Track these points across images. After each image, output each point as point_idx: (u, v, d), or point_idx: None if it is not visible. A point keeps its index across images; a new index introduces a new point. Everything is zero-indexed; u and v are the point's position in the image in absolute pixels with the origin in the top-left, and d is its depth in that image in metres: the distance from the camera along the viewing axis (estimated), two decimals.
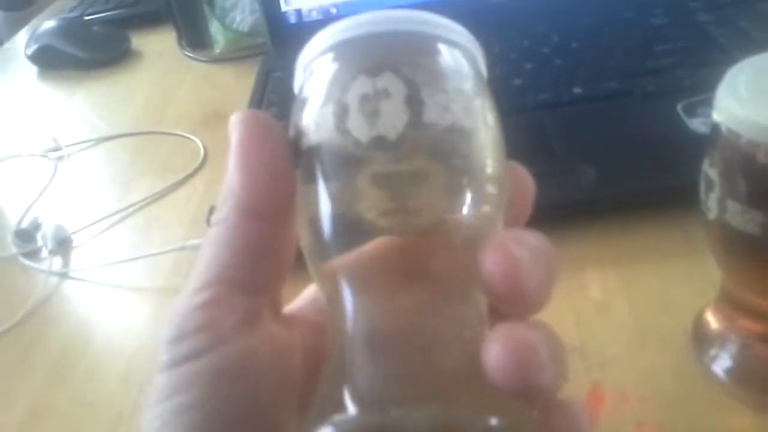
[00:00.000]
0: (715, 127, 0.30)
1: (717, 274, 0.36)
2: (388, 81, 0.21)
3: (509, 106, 0.56)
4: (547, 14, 0.68)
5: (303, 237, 0.23)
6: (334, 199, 0.21)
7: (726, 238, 0.31)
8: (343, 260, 0.22)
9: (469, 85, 0.23)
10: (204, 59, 0.84)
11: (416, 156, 0.21)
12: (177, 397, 0.20)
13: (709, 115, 0.31)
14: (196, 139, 0.67)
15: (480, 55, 0.24)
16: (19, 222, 0.61)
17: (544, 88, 0.57)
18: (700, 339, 0.37)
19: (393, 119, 0.21)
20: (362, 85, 0.21)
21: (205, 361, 0.20)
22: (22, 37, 1.03)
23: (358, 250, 0.21)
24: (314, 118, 0.22)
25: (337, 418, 0.19)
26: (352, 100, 0.21)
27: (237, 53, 0.82)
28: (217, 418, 0.20)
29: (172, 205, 0.60)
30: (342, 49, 0.22)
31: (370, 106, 0.21)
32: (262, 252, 0.22)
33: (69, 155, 0.71)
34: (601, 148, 0.50)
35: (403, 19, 0.23)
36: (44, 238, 0.58)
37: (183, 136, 0.69)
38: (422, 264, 0.22)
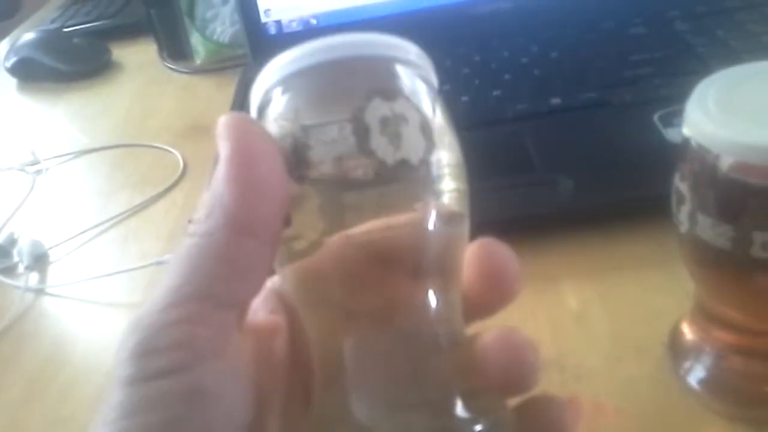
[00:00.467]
0: (685, 141, 0.30)
1: (693, 285, 0.36)
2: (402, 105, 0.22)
3: (488, 117, 0.56)
4: (527, 24, 0.68)
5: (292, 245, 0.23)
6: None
7: (697, 251, 0.31)
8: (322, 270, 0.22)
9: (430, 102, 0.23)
10: (185, 70, 0.84)
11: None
12: (142, 416, 0.19)
13: None
14: (176, 152, 0.67)
15: (434, 73, 0.25)
16: None
17: (523, 99, 0.57)
18: (676, 350, 0.37)
19: (414, 143, 0.22)
20: (380, 107, 0.22)
21: (179, 379, 0.20)
22: (1, 49, 1.02)
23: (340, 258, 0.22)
24: (317, 137, 0.22)
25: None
26: (371, 120, 0.21)
27: (217, 64, 0.82)
28: None
29: (150, 218, 0.60)
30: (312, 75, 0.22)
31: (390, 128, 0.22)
32: (247, 269, 0.22)
33: (47, 169, 0.70)
34: (579, 158, 0.50)
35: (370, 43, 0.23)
36: (20, 254, 0.57)
37: (163, 149, 0.68)
38: (403, 262, 0.22)
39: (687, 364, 0.36)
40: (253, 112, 0.24)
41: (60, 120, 0.81)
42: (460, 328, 0.23)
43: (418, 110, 0.22)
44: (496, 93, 0.59)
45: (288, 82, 0.22)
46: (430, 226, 0.22)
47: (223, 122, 0.22)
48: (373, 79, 0.22)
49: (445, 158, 0.23)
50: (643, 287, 0.43)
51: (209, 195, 0.22)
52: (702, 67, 0.57)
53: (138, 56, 0.90)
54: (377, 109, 0.21)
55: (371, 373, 0.22)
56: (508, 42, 0.66)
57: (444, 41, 0.68)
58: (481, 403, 0.22)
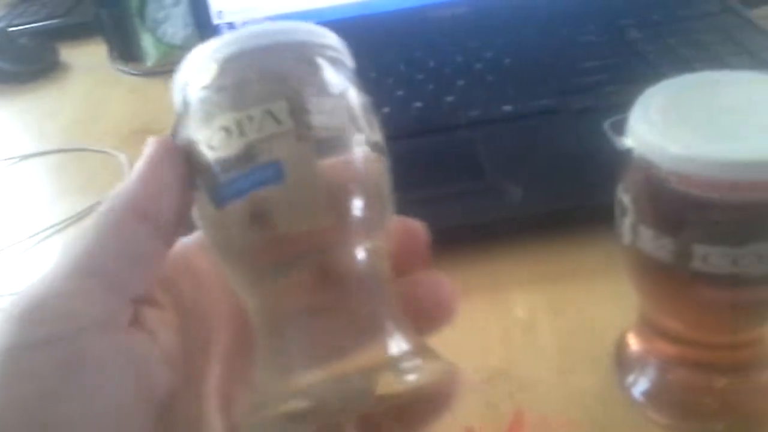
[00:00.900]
0: (627, 152, 0.30)
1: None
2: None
3: (441, 123, 0.56)
4: (482, 30, 0.68)
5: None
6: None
7: (639, 263, 0.31)
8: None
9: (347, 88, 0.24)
10: (135, 72, 0.82)
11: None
12: (18, 386, 0.19)
13: None
14: (122, 156, 0.65)
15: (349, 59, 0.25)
16: None
17: (476, 106, 0.57)
18: (622, 362, 0.37)
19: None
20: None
21: (56, 349, 0.19)
22: None
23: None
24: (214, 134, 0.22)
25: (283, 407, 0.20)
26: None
27: (169, 66, 0.80)
28: (65, 413, 0.19)
29: None
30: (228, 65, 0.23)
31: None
32: (138, 255, 0.22)
33: None
34: (529, 166, 0.50)
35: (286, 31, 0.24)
36: None
37: (108, 153, 0.66)
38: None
39: (632, 376, 0.36)
40: (177, 105, 0.24)
41: (4, 122, 0.78)
42: (388, 277, 0.24)
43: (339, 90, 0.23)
44: (449, 99, 0.59)
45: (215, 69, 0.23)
46: (352, 169, 0.22)
47: (149, 142, 0.24)
48: (294, 64, 0.23)
49: (363, 121, 0.23)
50: (592, 297, 0.42)
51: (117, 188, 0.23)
52: (653, 75, 0.57)
53: (87, 57, 0.88)
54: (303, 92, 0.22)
55: (302, 329, 0.22)
56: (463, 47, 0.66)
57: (398, 46, 0.68)
58: (420, 354, 0.22)
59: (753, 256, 0.27)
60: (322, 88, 0.23)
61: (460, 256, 0.44)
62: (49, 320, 0.20)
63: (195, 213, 0.24)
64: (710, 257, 0.28)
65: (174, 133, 0.25)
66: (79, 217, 0.59)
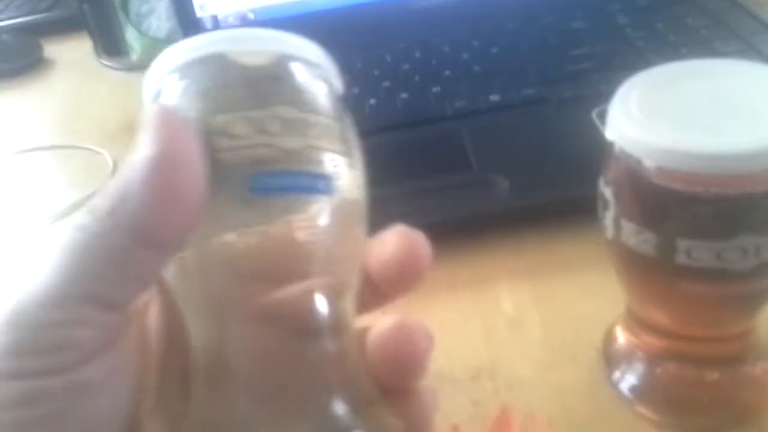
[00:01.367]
0: (608, 145, 0.29)
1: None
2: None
3: (427, 114, 0.55)
4: (468, 19, 0.67)
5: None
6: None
7: (623, 257, 0.30)
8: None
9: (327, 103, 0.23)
10: (120, 67, 0.81)
11: None
12: (19, 410, 0.18)
13: None
14: (106, 153, 0.64)
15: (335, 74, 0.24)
16: None
17: (462, 96, 0.56)
18: (609, 356, 0.36)
19: None
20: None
21: (61, 377, 0.19)
22: None
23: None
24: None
25: None
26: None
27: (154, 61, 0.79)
28: None
29: None
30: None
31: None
32: (140, 276, 0.20)
33: None
34: (517, 157, 0.49)
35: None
36: None
37: (92, 150, 0.65)
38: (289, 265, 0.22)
39: (619, 371, 0.35)
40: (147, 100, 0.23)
41: None
42: (350, 330, 0.23)
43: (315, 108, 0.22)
44: (435, 89, 0.58)
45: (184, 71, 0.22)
46: (316, 228, 0.21)
47: (152, 116, 0.20)
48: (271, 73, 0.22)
49: (339, 154, 0.22)
50: (580, 290, 0.42)
51: (116, 189, 0.19)
52: (641, 61, 0.56)
53: (71, 53, 0.86)
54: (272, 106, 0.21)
55: (250, 376, 0.21)
56: (449, 37, 0.65)
57: (384, 37, 0.67)
58: (367, 412, 0.21)
59: (737, 250, 0.27)
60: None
61: (445, 249, 0.43)
62: (47, 351, 0.19)
63: None
64: (694, 251, 0.27)
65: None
66: (64, 214, 0.58)
